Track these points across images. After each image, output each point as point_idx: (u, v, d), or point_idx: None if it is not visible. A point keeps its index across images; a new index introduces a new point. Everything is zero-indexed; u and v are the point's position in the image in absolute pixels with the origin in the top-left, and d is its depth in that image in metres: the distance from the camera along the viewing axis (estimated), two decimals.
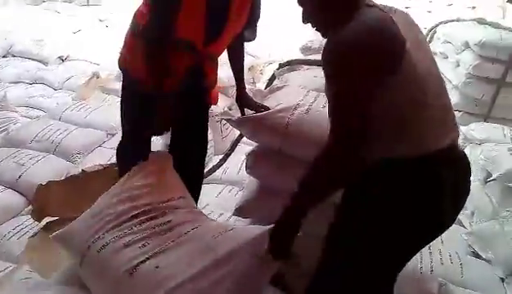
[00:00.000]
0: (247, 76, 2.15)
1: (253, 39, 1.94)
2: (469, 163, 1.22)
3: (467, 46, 3.31)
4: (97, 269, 1.39)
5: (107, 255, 1.38)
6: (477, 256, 2.15)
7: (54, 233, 1.60)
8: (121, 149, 1.94)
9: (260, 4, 1.80)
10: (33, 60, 4.45)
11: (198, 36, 1.62)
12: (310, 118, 1.68)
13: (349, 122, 1.02)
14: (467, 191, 1.23)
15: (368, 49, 1.01)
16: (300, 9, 1.18)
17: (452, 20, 3.95)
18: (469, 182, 1.22)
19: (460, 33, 3.51)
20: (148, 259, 1.33)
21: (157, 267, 1.31)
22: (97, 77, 4.00)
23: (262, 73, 4.09)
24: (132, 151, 1.83)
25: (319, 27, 1.17)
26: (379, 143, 1.07)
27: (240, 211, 1.86)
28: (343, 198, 1.23)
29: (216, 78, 1.85)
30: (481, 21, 3.44)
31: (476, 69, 3.17)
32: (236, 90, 1.94)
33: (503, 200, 2.27)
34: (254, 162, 1.78)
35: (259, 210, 1.84)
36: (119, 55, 1.79)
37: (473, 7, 5.43)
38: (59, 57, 4.57)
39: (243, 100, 1.91)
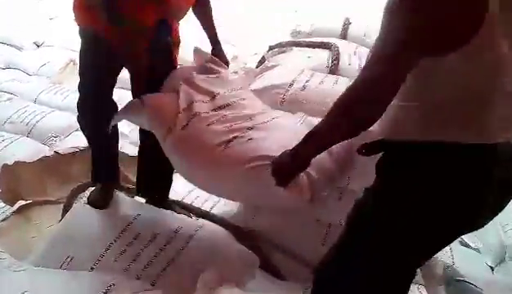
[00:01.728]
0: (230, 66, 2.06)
1: None
2: None
3: None
4: (184, 144, 1.41)
5: (194, 131, 1.41)
6: (465, 245, 2.13)
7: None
8: (83, 107, 1.69)
9: None
10: (6, 44, 4.24)
11: None
12: (306, 94, 1.62)
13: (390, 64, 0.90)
14: None
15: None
16: None
17: None
18: None
19: None
20: (239, 136, 1.36)
21: (250, 139, 1.34)
22: (74, 64, 3.85)
23: (246, 64, 4.01)
24: (95, 106, 1.66)
25: None
26: (435, 123, 0.96)
27: None
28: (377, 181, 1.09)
29: (179, 39, 1.73)
30: None
31: None
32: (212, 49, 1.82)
33: None
34: None
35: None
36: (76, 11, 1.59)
37: None
38: (34, 43, 4.37)
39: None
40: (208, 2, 1.80)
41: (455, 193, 0.97)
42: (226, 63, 1.82)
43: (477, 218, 1.04)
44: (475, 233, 2.09)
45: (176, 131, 1.40)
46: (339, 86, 1.69)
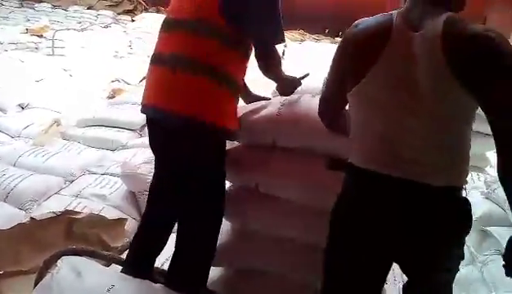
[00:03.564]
0: None
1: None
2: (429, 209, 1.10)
3: None
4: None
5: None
6: None
7: None
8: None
9: None
10: None
11: None
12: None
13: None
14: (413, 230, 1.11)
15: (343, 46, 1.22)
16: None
17: None
18: (418, 225, 1.11)
19: None
20: None
21: None
22: (58, 125, 3.85)
23: None
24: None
25: None
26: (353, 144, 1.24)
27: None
28: None
29: None
30: None
31: None
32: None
33: (479, 245, 2.23)
34: (228, 203, 1.65)
35: (234, 257, 1.71)
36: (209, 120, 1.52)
37: None
38: (19, 105, 4.38)
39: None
40: None
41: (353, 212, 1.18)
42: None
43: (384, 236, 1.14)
44: (466, 291, 2.04)
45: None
46: None
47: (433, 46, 1.01)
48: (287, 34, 9.16)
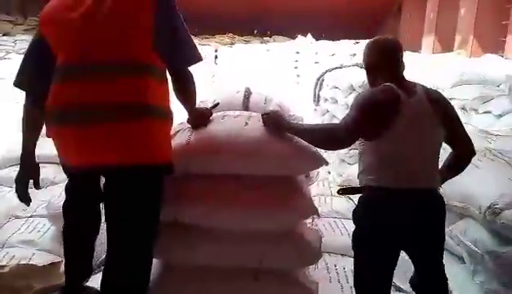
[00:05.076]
0: None
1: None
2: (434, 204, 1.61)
3: (352, 89, 3.54)
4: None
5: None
6: (399, 290, 2.15)
7: None
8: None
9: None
10: None
11: None
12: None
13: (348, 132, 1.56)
14: (429, 226, 1.60)
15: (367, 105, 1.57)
16: None
17: (336, 68, 4.25)
18: (430, 219, 1.60)
19: (344, 78, 3.77)
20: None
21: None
22: None
23: None
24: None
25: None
26: (372, 173, 1.59)
27: None
28: None
29: None
30: (361, 65, 3.73)
31: None
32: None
33: None
34: None
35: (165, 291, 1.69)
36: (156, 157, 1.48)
37: (354, 54, 5.95)
38: None
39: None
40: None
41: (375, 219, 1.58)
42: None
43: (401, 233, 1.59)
44: None
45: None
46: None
47: (425, 105, 1.58)
48: (217, 39, 9.18)
